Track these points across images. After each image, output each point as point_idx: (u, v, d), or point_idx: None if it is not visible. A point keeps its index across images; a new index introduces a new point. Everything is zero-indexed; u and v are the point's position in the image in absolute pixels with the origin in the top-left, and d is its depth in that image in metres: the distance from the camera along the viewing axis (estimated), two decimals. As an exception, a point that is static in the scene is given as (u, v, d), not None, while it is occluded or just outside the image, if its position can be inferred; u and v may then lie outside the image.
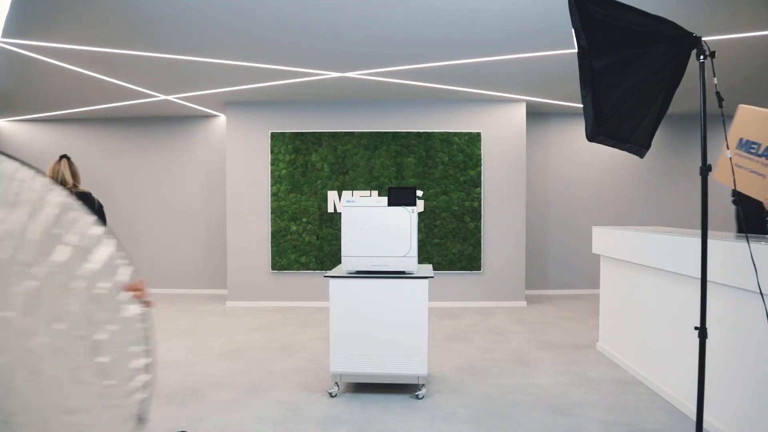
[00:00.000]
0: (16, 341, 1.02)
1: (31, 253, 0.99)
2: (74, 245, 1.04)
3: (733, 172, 3.15)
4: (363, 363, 3.45)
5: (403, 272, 3.45)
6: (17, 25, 3.72)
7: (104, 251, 1.10)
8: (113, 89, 5.76)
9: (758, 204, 3.34)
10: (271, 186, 6.63)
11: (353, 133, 6.59)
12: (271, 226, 6.63)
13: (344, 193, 6.56)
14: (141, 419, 1.20)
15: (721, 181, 3.52)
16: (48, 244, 1.01)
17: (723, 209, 6.82)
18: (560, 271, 7.47)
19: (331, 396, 3.47)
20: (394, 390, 3.56)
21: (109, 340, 1.13)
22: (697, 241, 2.96)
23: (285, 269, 6.64)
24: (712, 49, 2.09)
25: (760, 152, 3.30)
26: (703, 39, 2.10)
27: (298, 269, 6.63)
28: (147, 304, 1.18)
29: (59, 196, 1.00)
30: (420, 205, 6.56)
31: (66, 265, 1.04)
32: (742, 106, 3.38)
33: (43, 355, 1.05)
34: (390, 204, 3.45)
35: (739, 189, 3.33)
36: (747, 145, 3.34)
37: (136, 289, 1.17)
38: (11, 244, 0.97)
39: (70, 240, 1.03)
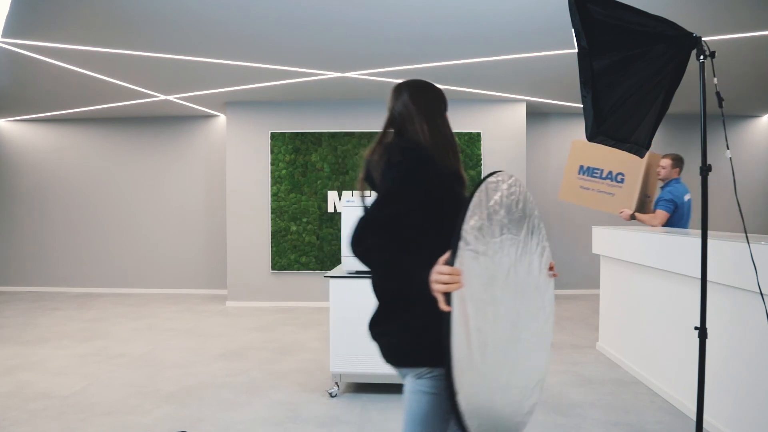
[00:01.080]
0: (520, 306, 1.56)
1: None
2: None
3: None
4: (363, 363, 3.44)
5: (403, 272, 3.46)
6: (17, 25, 3.73)
7: (543, 232, 1.66)
8: (113, 89, 5.76)
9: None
10: (271, 186, 6.63)
11: (353, 133, 6.59)
12: (271, 226, 6.63)
13: (344, 193, 6.56)
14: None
15: (568, 200, 4.07)
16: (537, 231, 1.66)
17: (723, 209, 6.83)
18: (560, 271, 7.46)
19: (331, 396, 3.47)
20: (394, 390, 3.56)
21: (548, 306, 1.70)
22: (697, 241, 2.96)
23: (285, 269, 6.64)
24: (712, 49, 2.09)
25: (603, 176, 4.02)
26: (703, 39, 2.10)
27: (298, 269, 6.63)
28: (554, 275, 1.73)
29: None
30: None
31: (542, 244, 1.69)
32: (574, 140, 4.16)
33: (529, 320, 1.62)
34: None
35: (592, 207, 4.07)
36: (590, 171, 4.04)
37: (552, 267, 1.73)
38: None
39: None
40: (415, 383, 1.51)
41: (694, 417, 2.66)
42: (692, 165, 7.38)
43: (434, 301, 1.23)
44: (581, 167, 4.12)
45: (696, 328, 2.21)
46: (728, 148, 2.12)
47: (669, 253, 3.36)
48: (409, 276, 1.30)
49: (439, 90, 1.68)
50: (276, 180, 6.63)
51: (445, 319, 1.23)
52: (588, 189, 4.11)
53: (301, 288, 6.67)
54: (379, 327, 1.66)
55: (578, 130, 7.42)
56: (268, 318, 5.94)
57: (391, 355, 1.60)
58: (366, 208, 1.45)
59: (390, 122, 1.63)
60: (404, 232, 1.42)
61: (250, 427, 3.00)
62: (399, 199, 1.41)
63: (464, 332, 1.26)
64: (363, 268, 3.41)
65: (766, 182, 7.66)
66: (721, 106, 2.09)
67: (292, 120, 6.67)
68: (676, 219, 4.24)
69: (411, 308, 1.46)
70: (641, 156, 2.40)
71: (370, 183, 1.61)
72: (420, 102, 1.60)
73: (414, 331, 1.45)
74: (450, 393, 1.24)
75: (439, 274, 1.22)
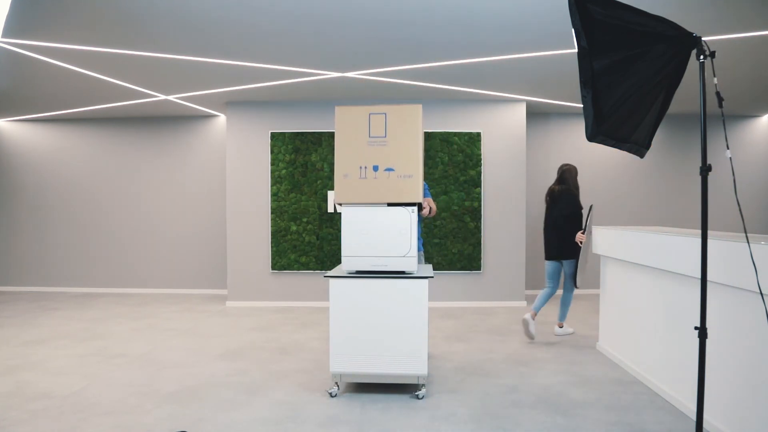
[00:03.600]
0: None
1: None
2: None
3: None
4: (363, 363, 3.45)
5: (403, 272, 3.45)
6: (17, 25, 3.73)
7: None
8: (113, 89, 5.76)
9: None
10: (271, 186, 6.63)
11: (353, 133, 6.58)
12: (271, 226, 6.63)
13: (344, 193, 6.55)
14: None
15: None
16: None
17: (723, 209, 6.83)
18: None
19: (331, 396, 3.47)
20: (394, 390, 3.56)
21: None
22: (697, 241, 2.96)
23: (285, 269, 6.64)
24: (712, 49, 2.09)
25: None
26: (703, 39, 2.10)
27: (298, 269, 6.63)
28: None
29: None
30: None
31: None
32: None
33: None
34: (390, 204, 3.45)
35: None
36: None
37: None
38: None
39: None
40: (572, 263, 4.70)
41: (694, 417, 2.66)
42: (692, 165, 7.41)
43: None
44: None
45: (696, 328, 2.21)
46: (728, 148, 2.12)
47: (669, 253, 3.36)
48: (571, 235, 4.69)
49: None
50: (276, 180, 6.63)
51: (584, 244, 4.61)
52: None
53: (301, 288, 6.67)
54: (559, 250, 4.76)
55: (578, 130, 7.42)
56: (268, 318, 5.94)
57: (565, 254, 4.73)
58: (565, 212, 4.74)
59: (560, 178, 4.87)
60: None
61: (250, 427, 3.00)
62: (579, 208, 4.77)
63: (585, 249, 4.61)
64: (362, 268, 3.43)
65: (766, 182, 7.66)
66: (721, 106, 2.08)
67: (292, 120, 6.67)
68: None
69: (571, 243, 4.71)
70: (641, 156, 2.40)
71: (552, 199, 4.86)
72: (574, 173, 4.89)
73: (572, 248, 4.68)
74: (582, 266, 4.68)
75: (581, 236, 4.59)
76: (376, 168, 3.28)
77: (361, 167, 3.30)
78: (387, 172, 3.27)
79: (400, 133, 3.28)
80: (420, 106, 3.34)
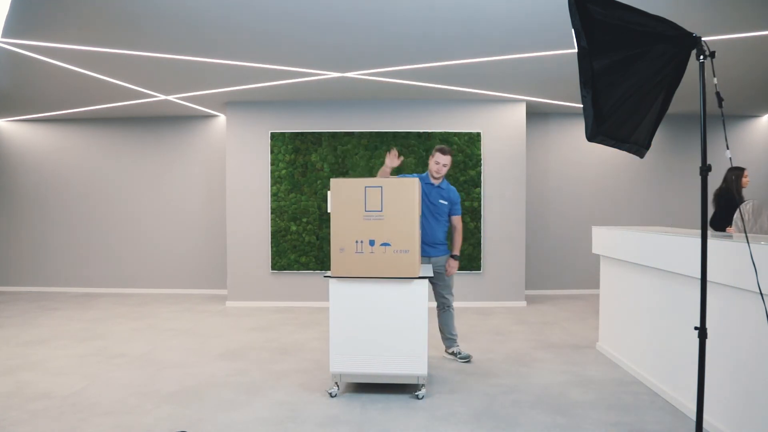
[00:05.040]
0: None
1: None
2: None
3: None
4: (363, 363, 3.45)
5: (403, 272, 3.45)
6: (17, 25, 3.73)
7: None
8: (113, 89, 5.76)
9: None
10: (271, 186, 6.63)
11: (353, 133, 6.59)
12: (271, 226, 6.63)
13: (344, 193, 6.55)
14: None
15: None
16: None
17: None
18: (560, 271, 7.47)
19: (331, 396, 3.47)
20: (394, 390, 3.56)
21: None
22: (697, 241, 2.96)
23: (285, 269, 6.64)
24: (712, 49, 2.08)
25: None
26: (703, 39, 2.10)
27: (298, 269, 6.63)
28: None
29: None
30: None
31: None
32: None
33: None
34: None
35: None
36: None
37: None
38: None
39: None
40: None
41: (694, 417, 2.66)
42: (692, 165, 7.40)
43: None
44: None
45: (696, 328, 2.21)
46: (728, 148, 2.11)
47: (669, 253, 3.36)
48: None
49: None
50: (276, 180, 6.63)
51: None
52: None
53: (301, 288, 6.67)
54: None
55: (578, 130, 7.42)
56: (268, 318, 5.93)
57: None
58: (716, 208, 4.77)
59: (725, 179, 4.79)
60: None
61: (250, 427, 3.00)
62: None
63: None
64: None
65: (766, 182, 7.66)
66: (721, 106, 2.08)
67: (292, 120, 6.67)
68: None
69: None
70: (641, 156, 2.40)
71: (713, 198, 4.82)
72: (737, 174, 4.74)
73: None
74: None
75: (729, 230, 4.41)
76: (372, 242, 3.32)
77: (357, 241, 3.33)
78: (383, 246, 3.31)
79: (397, 208, 3.31)
80: (416, 180, 3.40)
